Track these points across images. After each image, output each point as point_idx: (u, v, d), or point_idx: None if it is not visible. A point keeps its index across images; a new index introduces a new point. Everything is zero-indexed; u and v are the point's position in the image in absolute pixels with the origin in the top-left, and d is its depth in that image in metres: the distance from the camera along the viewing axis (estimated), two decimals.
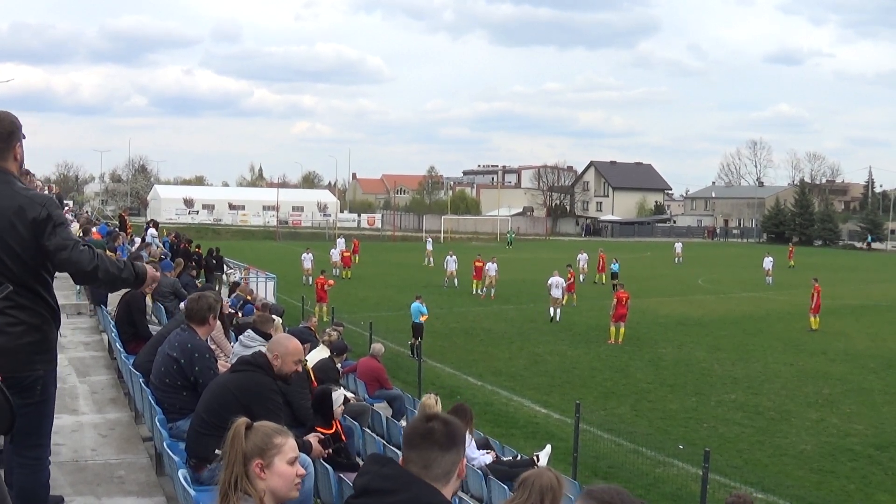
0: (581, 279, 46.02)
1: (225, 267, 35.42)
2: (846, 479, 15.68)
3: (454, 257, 45.55)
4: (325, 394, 9.32)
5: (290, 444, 3.66)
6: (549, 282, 34.44)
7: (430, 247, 58.04)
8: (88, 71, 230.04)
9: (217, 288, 25.19)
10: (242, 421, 3.60)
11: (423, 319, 26.39)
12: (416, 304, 26.71)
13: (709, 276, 54.58)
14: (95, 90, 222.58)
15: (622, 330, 29.23)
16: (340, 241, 53.90)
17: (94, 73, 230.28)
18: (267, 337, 10.64)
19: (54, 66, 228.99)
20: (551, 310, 33.88)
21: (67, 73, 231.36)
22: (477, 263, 43.06)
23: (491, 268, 41.31)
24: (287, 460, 3.60)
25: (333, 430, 8.90)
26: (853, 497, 14.76)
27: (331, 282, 35.37)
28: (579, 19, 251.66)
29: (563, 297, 34.90)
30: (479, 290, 42.03)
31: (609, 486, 2.96)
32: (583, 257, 50.23)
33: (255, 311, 17.65)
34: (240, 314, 18.58)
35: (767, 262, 52.46)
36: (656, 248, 74.65)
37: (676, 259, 66.63)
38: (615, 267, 46.82)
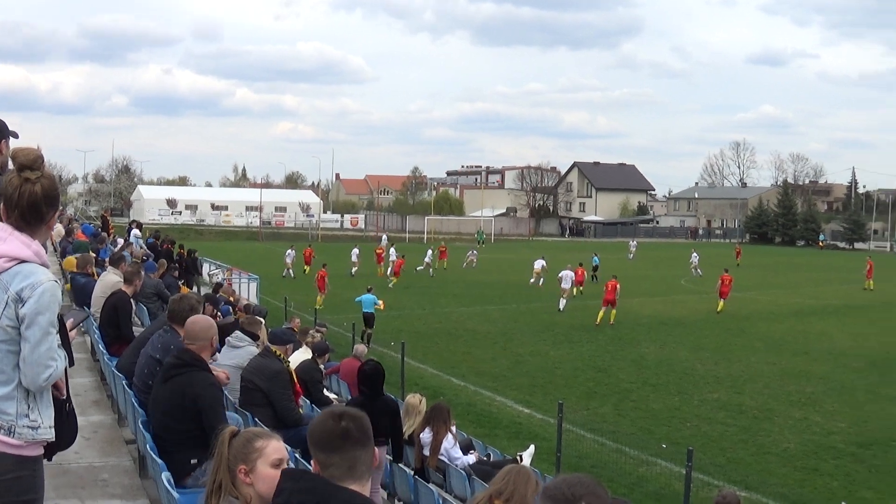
0: (539, 282, 46.04)
1: (206, 266, 35.22)
2: (829, 477, 15.79)
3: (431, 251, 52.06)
4: (376, 370, 9.38)
5: (272, 446, 3.62)
6: (561, 274, 37.60)
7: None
8: (69, 70, 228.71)
9: (197, 290, 25.17)
10: (230, 430, 3.66)
11: (381, 306, 28.08)
12: (367, 296, 27.94)
13: (691, 277, 54.75)
14: (76, 89, 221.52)
15: (612, 312, 32.49)
16: (290, 253, 51.12)
17: (75, 72, 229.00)
18: (254, 338, 10.61)
19: (34, 65, 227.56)
20: (561, 301, 36.26)
21: (47, 72, 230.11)
22: (441, 249, 56.18)
23: (538, 263, 46.53)
24: (270, 463, 3.56)
25: None
26: (837, 494, 14.82)
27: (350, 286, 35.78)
28: (562, 19, 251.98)
29: (571, 288, 37.88)
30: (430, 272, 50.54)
31: (564, 479, 2.80)
32: (539, 263, 47.58)
33: (230, 312, 17.59)
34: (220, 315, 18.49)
35: (694, 258, 57.17)
36: (639, 249, 74.82)
37: (694, 271, 56.67)
38: (595, 260, 51.81)
